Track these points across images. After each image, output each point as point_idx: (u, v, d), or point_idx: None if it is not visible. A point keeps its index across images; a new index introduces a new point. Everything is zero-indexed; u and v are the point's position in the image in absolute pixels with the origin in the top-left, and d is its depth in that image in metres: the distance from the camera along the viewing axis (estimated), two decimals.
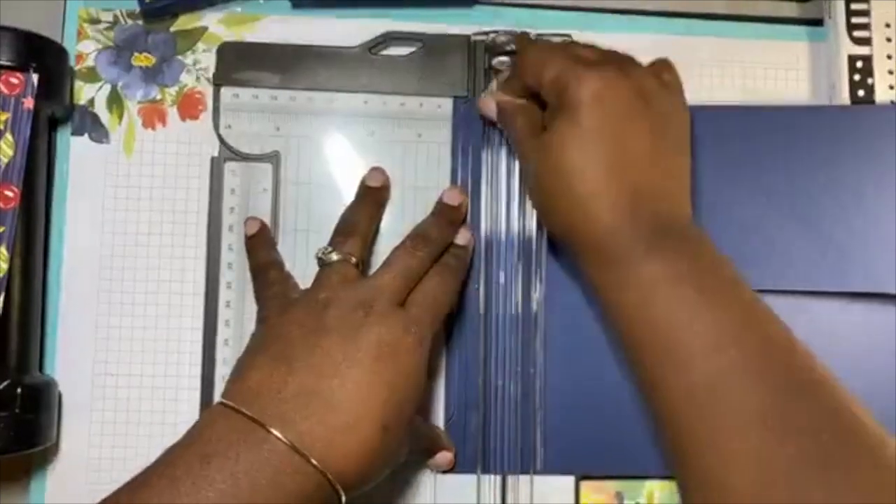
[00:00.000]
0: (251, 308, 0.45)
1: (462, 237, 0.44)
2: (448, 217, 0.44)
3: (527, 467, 0.45)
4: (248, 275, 0.45)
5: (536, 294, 0.46)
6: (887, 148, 0.47)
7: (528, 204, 0.46)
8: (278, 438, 0.34)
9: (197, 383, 0.45)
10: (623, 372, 0.45)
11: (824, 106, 0.48)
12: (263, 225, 0.45)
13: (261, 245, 0.45)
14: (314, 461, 0.35)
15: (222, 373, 0.45)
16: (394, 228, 0.46)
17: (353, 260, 0.41)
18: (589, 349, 0.46)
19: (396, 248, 0.42)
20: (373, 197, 0.45)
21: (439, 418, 0.45)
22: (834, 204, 0.46)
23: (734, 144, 0.47)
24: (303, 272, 0.46)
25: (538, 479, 0.45)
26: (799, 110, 0.48)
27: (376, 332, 0.38)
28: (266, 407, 0.35)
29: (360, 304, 0.38)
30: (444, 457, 0.44)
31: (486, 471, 0.45)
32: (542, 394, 0.45)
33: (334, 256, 0.41)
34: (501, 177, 0.46)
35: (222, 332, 0.45)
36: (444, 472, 0.45)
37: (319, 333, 0.37)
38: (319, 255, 0.42)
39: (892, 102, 0.47)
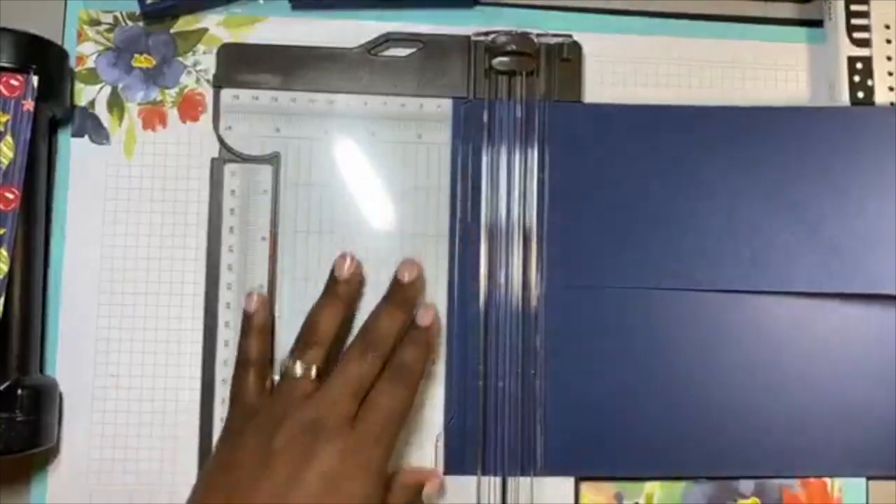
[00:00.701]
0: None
1: (423, 317, 0.43)
2: (401, 300, 0.43)
3: (527, 468, 0.45)
4: (248, 276, 0.45)
5: (536, 294, 0.46)
6: (887, 149, 0.47)
7: (528, 202, 0.46)
8: None
9: (197, 384, 0.45)
10: (622, 373, 0.46)
11: (824, 107, 0.48)
12: (263, 302, 0.44)
13: (255, 331, 0.44)
14: None
15: (222, 374, 0.45)
16: (394, 230, 0.46)
17: (314, 372, 0.41)
18: (589, 350, 0.46)
19: (347, 351, 0.42)
20: (342, 290, 0.44)
21: (439, 420, 0.46)
22: (834, 205, 0.46)
23: (734, 145, 0.47)
24: (304, 273, 0.46)
25: (538, 480, 0.45)
26: (799, 111, 0.48)
27: (322, 460, 0.38)
28: None
29: (311, 426, 0.39)
30: (433, 486, 0.44)
31: (485, 472, 0.45)
32: (541, 394, 0.45)
33: (297, 370, 0.41)
34: (502, 177, 0.46)
35: (222, 333, 0.45)
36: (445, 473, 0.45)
37: (267, 461, 0.39)
38: (282, 367, 0.42)
39: (892, 104, 0.47)
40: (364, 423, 0.40)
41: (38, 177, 0.44)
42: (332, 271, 0.44)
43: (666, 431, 0.46)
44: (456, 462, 0.45)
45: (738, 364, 0.46)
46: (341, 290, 0.44)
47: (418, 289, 0.44)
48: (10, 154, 0.41)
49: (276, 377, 0.43)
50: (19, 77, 0.42)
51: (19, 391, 0.41)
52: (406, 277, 0.43)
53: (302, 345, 0.42)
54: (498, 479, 0.45)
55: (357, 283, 0.45)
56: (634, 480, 0.46)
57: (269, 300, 0.45)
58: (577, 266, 0.46)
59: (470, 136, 0.47)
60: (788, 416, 0.46)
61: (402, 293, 0.43)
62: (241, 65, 0.47)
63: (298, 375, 0.41)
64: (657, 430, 0.46)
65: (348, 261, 0.44)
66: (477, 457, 0.45)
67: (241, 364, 0.43)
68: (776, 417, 0.46)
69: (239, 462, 0.39)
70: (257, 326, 0.44)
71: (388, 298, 0.44)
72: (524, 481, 0.45)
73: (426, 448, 0.45)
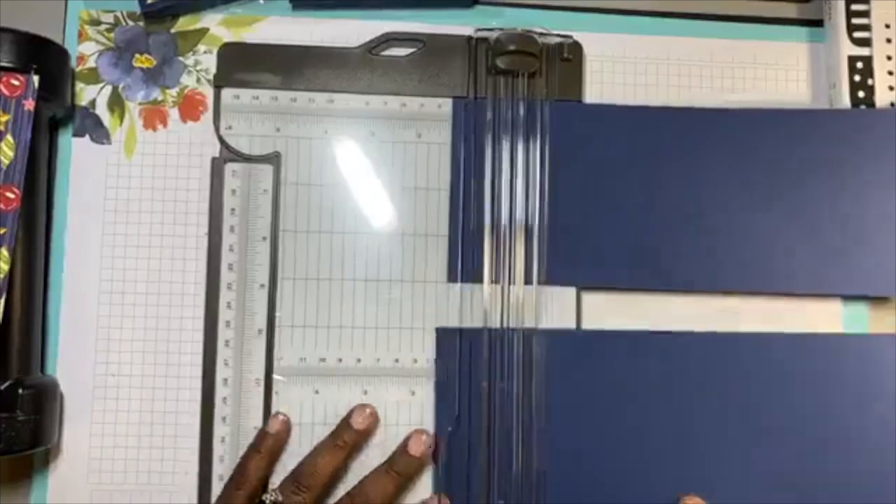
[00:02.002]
0: (251, 309, 0.45)
1: (415, 446, 0.44)
2: (343, 442, 0.44)
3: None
4: (248, 275, 0.45)
5: (537, 293, 0.46)
6: (887, 151, 0.47)
7: (530, 202, 0.46)
8: None
9: (197, 383, 0.45)
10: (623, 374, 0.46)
11: (824, 109, 0.48)
12: (286, 427, 0.45)
13: (267, 453, 0.44)
14: None
15: (223, 373, 0.45)
16: (394, 229, 0.46)
17: None
18: (591, 366, 0.46)
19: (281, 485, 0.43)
20: (270, 444, 0.44)
21: (442, 424, 0.46)
22: (834, 207, 0.46)
23: (735, 147, 0.47)
24: (303, 272, 0.46)
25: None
26: (798, 113, 0.48)
27: None
28: None
29: None
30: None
31: (489, 473, 0.45)
32: (543, 398, 0.45)
33: None
34: (503, 176, 0.46)
35: (223, 333, 0.45)
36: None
37: None
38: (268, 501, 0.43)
39: (892, 104, 0.47)
40: None
41: (38, 176, 0.44)
42: (263, 428, 0.44)
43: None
44: (457, 465, 0.45)
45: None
46: (272, 442, 0.44)
47: (367, 437, 0.45)
48: (11, 154, 0.41)
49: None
50: (20, 77, 0.42)
51: (20, 391, 0.41)
52: (360, 424, 0.44)
53: (293, 483, 0.43)
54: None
55: (283, 444, 0.45)
56: None
57: (270, 300, 0.45)
58: (578, 265, 0.46)
59: (471, 135, 0.47)
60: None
61: (349, 437, 0.44)
62: (241, 64, 0.47)
63: None
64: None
65: (279, 419, 0.44)
66: (480, 469, 0.45)
67: (239, 481, 0.43)
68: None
69: None
70: (271, 449, 0.44)
71: (332, 436, 0.44)
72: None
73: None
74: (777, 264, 0.46)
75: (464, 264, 0.46)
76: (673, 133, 0.47)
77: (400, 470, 0.44)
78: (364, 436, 0.44)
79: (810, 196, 0.47)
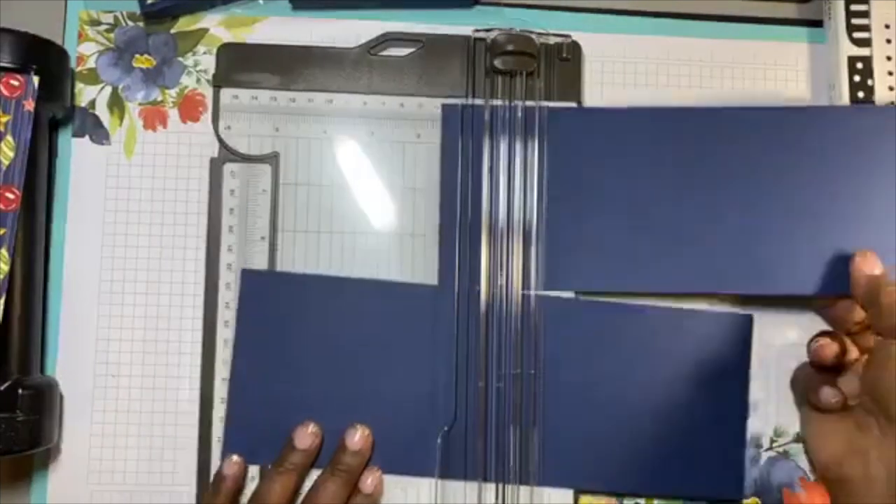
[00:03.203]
0: None
1: (369, 484, 0.44)
2: (346, 468, 0.43)
3: (525, 477, 0.45)
4: None
5: (535, 294, 0.46)
6: (887, 149, 0.46)
7: (528, 202, 0.46)
8: None
9: (197, 383, 0.45)
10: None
11: (823, 106, 0.48)
12: (240, 469, 0.44)
13: (223, 496, 0.43)
14: None
15: (222, 374, 0.45)
16: (393, 229, 0.46)
17: None
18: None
19: None
20: (226, 486, 0.43)
21: (439, 422, 0.45)
22: (833, 206, 0.46)
23: (734, 146, 0.47)
24: (302, 272, 0.46)
25: (537, 488, 0.45)
26: (799, 111, 0.48)
27: None
28: None
29: None
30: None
31: (486, 479, 0.45)
32: (541, 396, 0.45)
33: None
34: (501, 177, 0.46)
35: (221, 333, 0.45)
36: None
37: None
38: None
39: (892, 104, 0.47)
40: None
41: (38, 177, 0.44)
42: (220, 470, 0.44)
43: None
44: (456, 465, 0.45)
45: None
46: (227, 483, 0.43)
47: (366, 458, 0.44)
48: (11, 154, 0.41)
49: None
50: (20, 77, 0.42)
51: (20, 391, 0.41)
52: (358, 444, 0.43)
53: None
54: (497, 486, 0.45)
55: (313, 455, 0.44)
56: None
57: None
58: (575, 267, 0.46)
59: (469, 135, 0.47)
60: None
61: (349, 461, 0.43)
62: (240, 65, 0.47)
63: None
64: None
65: (234, 462, 0.43)
66: (477, 462, 0.45)
67: None
68: None
69: None
70: (229, 492, 0.43)
71: (332, 467, 0.43)
72: (524, 489, 0.45)
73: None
74: (779, 267, 0.46)
75: (460, 265, 0.46)
76: (672, 134, 0.47)
77: (343, 468, 0.43)
78: (309, 456, 0.44)
79: (811, 197, 0.46)
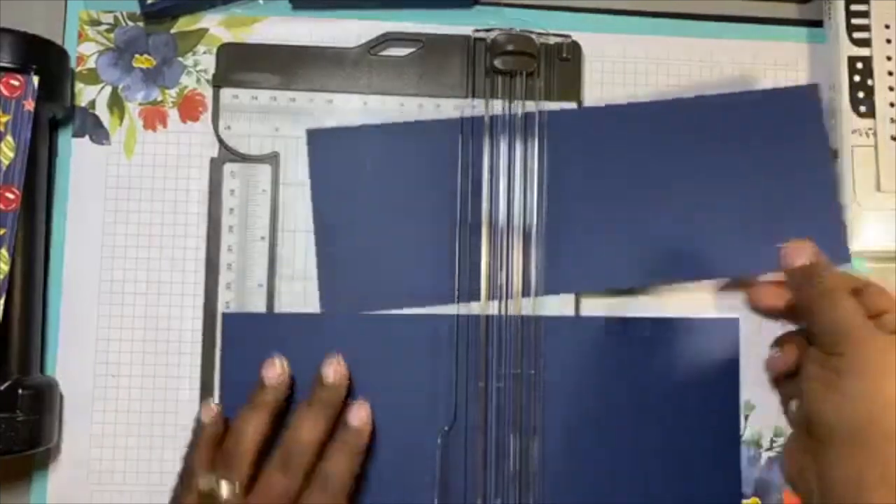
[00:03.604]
0: (250, 308, 0.45)
1: (355, 416, 0.42)
2: (325, 403, 0.41)
3: (525, 478, 0.45)
4: (248, 275, 0.45)
5: (535, 293, 0.46)
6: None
7: (528, 202, 0.46)
8: None
9: (197, 383, 0.45)
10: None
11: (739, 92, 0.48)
12: (219, 413, 0.42)
13: (206, 443, 0.42)
14: None
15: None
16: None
17: (238, 489, 0.40)
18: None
19: (269, 464, 0.40)
20: (267, 397, 0.42)
21: (439, 422, 0.45)
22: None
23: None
24: (302, 272, 0.46)
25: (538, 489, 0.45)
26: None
27: None
28: None
29: None
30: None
31: (486, 479, 0.45)
32: (541, 398, 0.45)
33: (224, 493, 0.39)
34: (501, 177, 0.46)
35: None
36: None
37: None
38: (205, 487, 0.40)
39: (891, 104, 0.47)
40: None
41: (38, 177, 0.44)
42: (260, 377, 0.42)
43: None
44: (456, 465, 0.45)
45: None
46: (268, 396, 0.42)
47: (343, 390, 0.42)
48: (11, 154, 0.41)
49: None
50: (20, 77, 0.42)
51: (20, 391, 0.41)
52: (332, 378, 0.42)
53: (227, 460, 0.41)
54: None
55: (284, 391, 0.42)
56: None
57: (269, 299, 0.45)
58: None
59: (469, 135, 0.47)
60: None
61: (327, 395, 0.42)
62: (240, 64, 0.47)
63: (225, 497, 0.39)
64: None
65: (277, 363, 0.42)
66: (477, 460, 0.45)
67: (187, 479, 0.41)
68: None
69: None
70: (208, 437, 0.42)
71: (310, 402, 0.42)
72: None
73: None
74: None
75: (460, 265, 0.46)
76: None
77: (321, 401, 0.41)
78: (279, 392, 0.42)
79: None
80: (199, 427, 0.42)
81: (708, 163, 0.47)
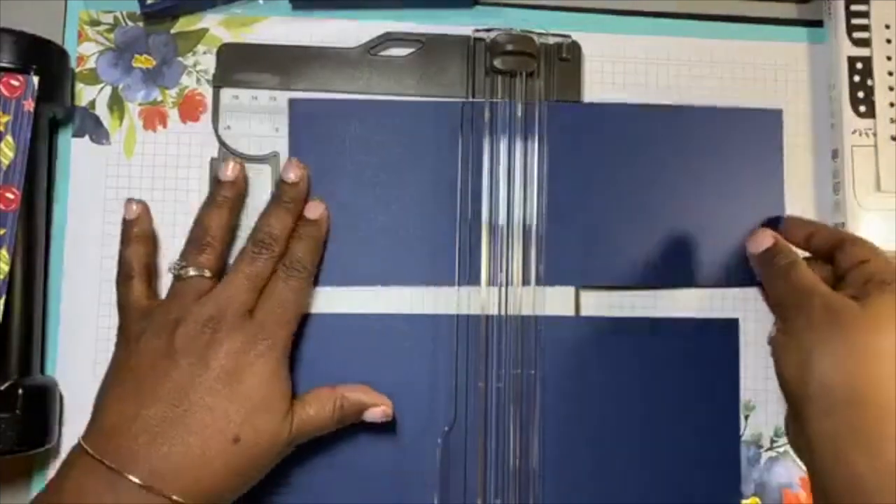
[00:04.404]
0: None
1: (312, 211, 0.44)
2: (289, 199, 0.44)
3: (525, 478, 0.45)
4: None
5: (536, 293, 0.46)
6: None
7: (528, 202, 0.46)
8: (132, 481, 0.36)
9: None
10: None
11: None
12: (145, 209, 0.45)
13: (136, 238, 0.44)
14: (171, 494, 0.37)
15: None
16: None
17: (208, 273, 0.42)
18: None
19: (240, 254, 0.43)
20: (226, 193, 0.44)
21: (440, 422, 0.46)
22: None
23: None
24: None
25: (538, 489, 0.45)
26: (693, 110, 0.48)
27: (224, 350, 0.39)
28: (119, 448, 0.37)
29: (209, 321, 0.40)
30: (374, 413, 0.43)
31: (486, 479, 0.45)
32: (541, 399, 0.45)
33: (191, 272, 0.42)
34: (501, 177, 0.46)
35: None
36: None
37: (169, 359, 0.39)
38: (174, 271, 0.42)
39: (891, 104, 0.47)
40: (263, 312, 0.41)
41: (38, 177, 0.44)
42: (216, 175, 0.44)
43: None
44: (456, 465, 0.45)
45: None
46: (227, 191, 0.44)
47: (304, 188, 0.44)
48: (11, 154, 0.41)
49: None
50: (20, 77, 0.42)
51: (19, 391, 0.41)
52: (292, 177, 0.44)
53: (194, 248, 0.42)
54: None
55: (242, 186, 0.45)
56: None
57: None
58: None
59: (469, 135, 0.47)
60: None
61: (290, 193, 0.44)
62: (240, 65, 0.47)
63: (192, 276, 0.41)
64: None
65: (231, 164, 0.44)
66: (477, 460, 0.45)
67: (126, 273, 0.43)
68: None
69: (140, 365, 0.40)
70: (140, 234, 0.44)
71: (276, 199, 0.44)
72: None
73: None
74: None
75: (460, 263, 0.46)
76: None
77: (287, 199, 0.44)
78: (238, 187, 0.44)
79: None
80: (127, 226, 0.44)
81: (689, 170, 0.47)
